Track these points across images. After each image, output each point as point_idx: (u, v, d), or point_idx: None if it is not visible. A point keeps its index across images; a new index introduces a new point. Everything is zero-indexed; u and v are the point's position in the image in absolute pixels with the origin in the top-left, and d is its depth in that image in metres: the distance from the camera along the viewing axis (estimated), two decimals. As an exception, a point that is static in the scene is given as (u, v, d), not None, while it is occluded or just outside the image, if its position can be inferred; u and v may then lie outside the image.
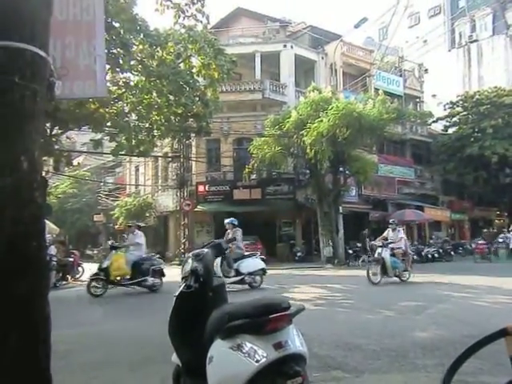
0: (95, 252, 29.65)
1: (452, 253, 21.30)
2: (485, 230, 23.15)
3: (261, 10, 27.04)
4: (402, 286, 10.61)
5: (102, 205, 32.41)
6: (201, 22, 11.50)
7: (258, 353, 1.94)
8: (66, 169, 21.26)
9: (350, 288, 10.38)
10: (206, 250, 2.72)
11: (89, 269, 13.78)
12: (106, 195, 32.35)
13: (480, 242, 20.16)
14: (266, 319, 1.99)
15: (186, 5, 10.99)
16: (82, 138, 23.59)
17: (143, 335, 5.59)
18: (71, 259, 15.01)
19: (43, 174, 2.24)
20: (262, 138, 19.61)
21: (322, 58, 24.50)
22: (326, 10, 74.05)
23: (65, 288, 13.01)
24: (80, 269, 15.45)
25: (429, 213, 25.26)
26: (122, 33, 10.20)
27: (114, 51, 10.49)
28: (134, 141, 12.06)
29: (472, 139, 25.48)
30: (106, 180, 34.78)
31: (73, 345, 5.01)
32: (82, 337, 5.67)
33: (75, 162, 18.12)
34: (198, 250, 2.73)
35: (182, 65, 12.18)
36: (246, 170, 19.72)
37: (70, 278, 14.49)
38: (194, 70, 12.39)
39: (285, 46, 23.40)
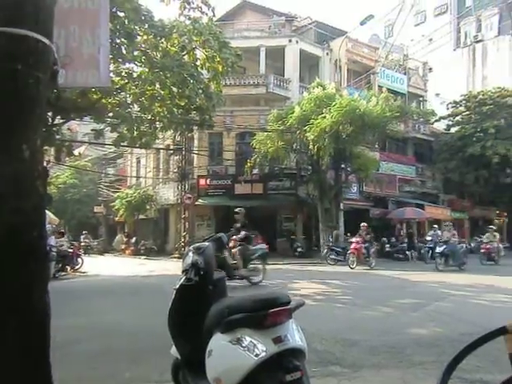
0: (95, 243, 29.74)
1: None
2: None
3: (266, 4, 26.76)
4: (401, 283, 10.62)
5: (102, 196, 32.42)
6: (206, 14, 11.48)
7: (257, 347, 1.94)
8: (67, 159, 21.25)
9: (349, 284, 10.41)
10: (207, 243, 2.72)
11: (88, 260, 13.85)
12: (107, 186, 32.33)
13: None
14: (265, 313, 1.99)
15: (192, -4, 10.96)
16: (83, 128, 23.58)
17: (142, 327, 5.61)
18: (71, 250, 15.04)
19: (44, 163, 2.23)
20: (265, 133, 19.56)
21: (327, 53, 24.37)
22: (332, 5, 73.67)
23: (64, 279, 13.06)
24: (79, 260, 15.48)
25: (429, 211, 25.24)
26: (126, 23, 10.15)
27: (118, 41, 10.44)
28: (135, 132, 12.05)
29: (474, 139, 25.41)
30: (107, 171, 34.74)
31: (72, 335, 5.02)
32: (81, 327, 5.68)
33: (76, 153, 18.09)
34: (199, 244, 2.72)
35: (186, 57, 12.12)
36: (248, 164, 19.69)
37: (69, 268, 14.54)
38: (198, 63, 12.34)
39: (290, 40, 23.26)
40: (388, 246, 20.63)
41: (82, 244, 25.65)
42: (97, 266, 16.58)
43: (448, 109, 28.48)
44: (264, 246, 10.86)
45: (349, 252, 15.47)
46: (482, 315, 6.13)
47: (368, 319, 6.10)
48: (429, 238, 18.68)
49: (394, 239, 21.39)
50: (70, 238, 18.89)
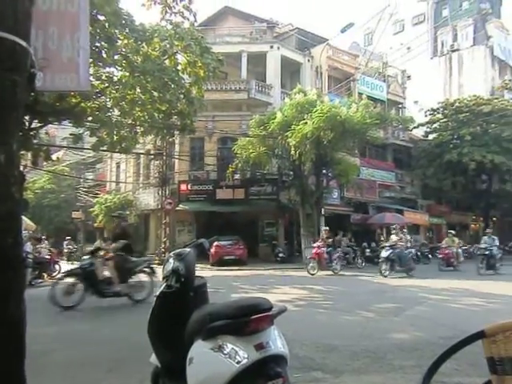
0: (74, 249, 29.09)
1: (429, 256, 21.68)
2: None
3: (248, 10, 26.91)
4: (381, 287, 10.74)
5: (81, 201, 31.82)
6: (188, 19, 11.46)
7: (239, 354, 1.93)
8: (45, 164, 20.79)
9: (330, 289, 10.47)
10: (188, 249, 2.69)
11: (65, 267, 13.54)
12: (86, 192, 31.76)
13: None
14: (247, 320, 1.98)
15: (173, 1, 10.94)
16: (61, 133, 23.15)
17: (120, 335, 5.51)
18: (48, 257, 14.67)
19: (21, 168, 2.18)
20: (247, 138, 19.61)
21: (308, 60, 24.65)
22: (313, 13, 74.67)
23: (41, 286, 12.70)
24: (57, 267, 15.12)
25: (408, 216, 25.70)
26: (106, 26, 10.03)
27: (98, 45, 10.31)
28: (115, 137, 11.89)
29: (451, 146, 26.11)
30: (86, 176, 34.14)
31: (48, 344, 4.90)
32: (58, 336, 5.54)
33: (54, 157, 17.71)
34: (179, 250, 2.69)
35: (167, 61, 12.05)
36: (230, 169, 19.67)
37: (46, 276, 14.17)
38: (179, 67, 12.29)
39: (271, 46, 23.46)
40: (368, 250, 20.85)
41: (65, 250, 24.98)
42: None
43: (426, 116, 29.15)
44: (150, 257, 9.64)
45: (308, 257, 15.02)
46: (459, 319, 6.25)
47: (349, 324, 6.14)
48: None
49: (374, 244, 21.66)
50: (50, 245, 18.43)
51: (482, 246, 15.14)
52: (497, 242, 15.20)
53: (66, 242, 26.01)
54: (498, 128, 25.30)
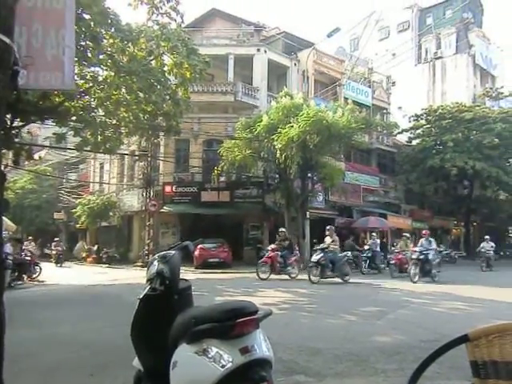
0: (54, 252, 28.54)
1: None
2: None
3: (235, 13, 26.94)
4: (365, 291, 10.84)
5: (63, 202, 31.27)
6: (175, 20, 11.46)
7: (223, 358, 1.91)
8: (27, 163, 20.41)
9: (314, 292, 10.49)
10: (172, 251, 2.66)
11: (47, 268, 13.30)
12: (68, 192, 31.21)
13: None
14: (232, 324, 1.96)
15: (161, 1, 10.90)
16: (44, 132, 22.75)
17: (102, 339, 5.42)
18: (28, 258, 14.39)
19: (1, 167, 2.13)
20: (233, 141, 19.59)
21: (295, 64, 24.80)
22: (300, 17, 75.30)
23: (21, 288, 12.45)
24: (37, 268, 14.84)
25: (391, 220, 26.03)
26: (92, 25, 9.92)
27: (83, 43, 10.18)
28: (100, 137, 11.76)
29: (434, 151, 26.59)
30: (69, 176, 33.57)
31: (29, 347, 4.80)
32: (39, 339, 5.43)
33: (36, 157, 17.40)
34: (164, 252, 2.66)
35: (153, 62, 11.99)
36: (215, 172, 19.62)
37: (26, 277, 13.90)
38: (165, 68, 12.24)
39: (258, 50, 23.51)
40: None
41: (54, 252, 24.40)
42: (56, 275, 15.92)
43: (410, 122, 29.64)
44: None
45: (260, 261, 13.99)
46: (440, 322, 6.34)
47: (332, 327, 6.17)
48: (367, 247, 17.67)
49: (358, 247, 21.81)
50: (37, 246, 18.06)
51: (417, 249, 13.29)
52: (434, 245, 13.68)
53: (54, 244, 25.36)
54: (480, 135, 25.88)
